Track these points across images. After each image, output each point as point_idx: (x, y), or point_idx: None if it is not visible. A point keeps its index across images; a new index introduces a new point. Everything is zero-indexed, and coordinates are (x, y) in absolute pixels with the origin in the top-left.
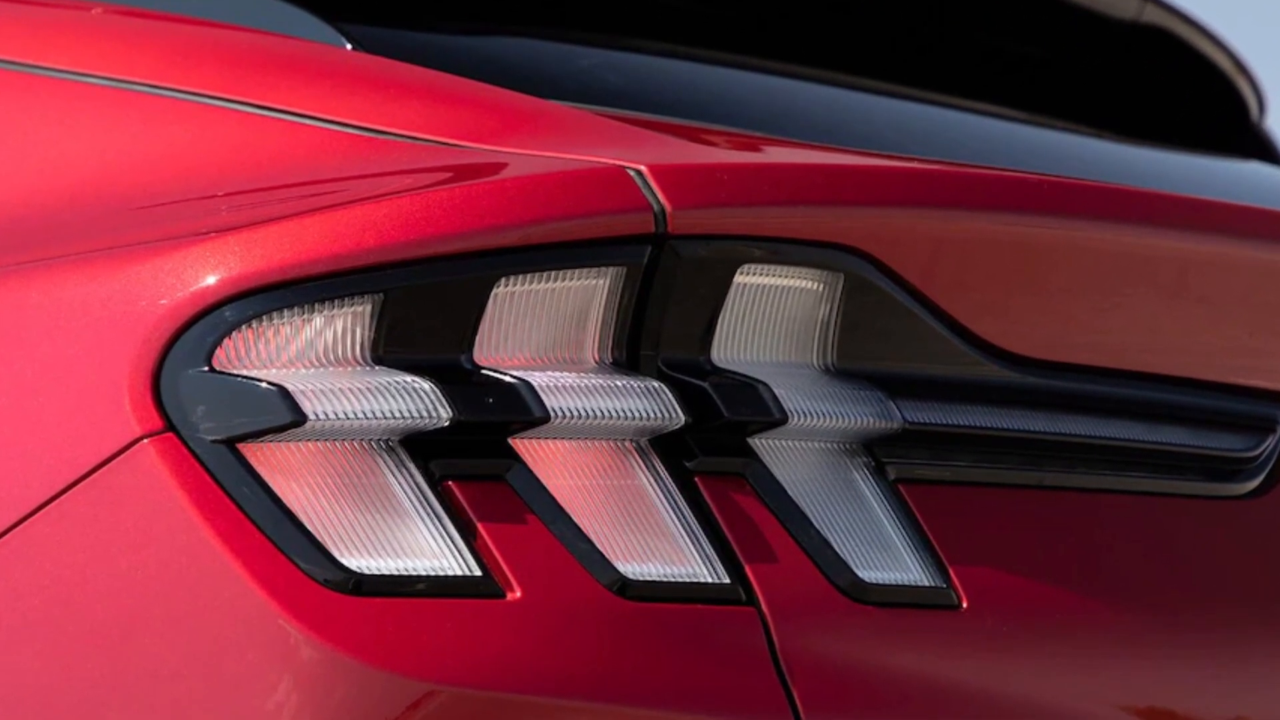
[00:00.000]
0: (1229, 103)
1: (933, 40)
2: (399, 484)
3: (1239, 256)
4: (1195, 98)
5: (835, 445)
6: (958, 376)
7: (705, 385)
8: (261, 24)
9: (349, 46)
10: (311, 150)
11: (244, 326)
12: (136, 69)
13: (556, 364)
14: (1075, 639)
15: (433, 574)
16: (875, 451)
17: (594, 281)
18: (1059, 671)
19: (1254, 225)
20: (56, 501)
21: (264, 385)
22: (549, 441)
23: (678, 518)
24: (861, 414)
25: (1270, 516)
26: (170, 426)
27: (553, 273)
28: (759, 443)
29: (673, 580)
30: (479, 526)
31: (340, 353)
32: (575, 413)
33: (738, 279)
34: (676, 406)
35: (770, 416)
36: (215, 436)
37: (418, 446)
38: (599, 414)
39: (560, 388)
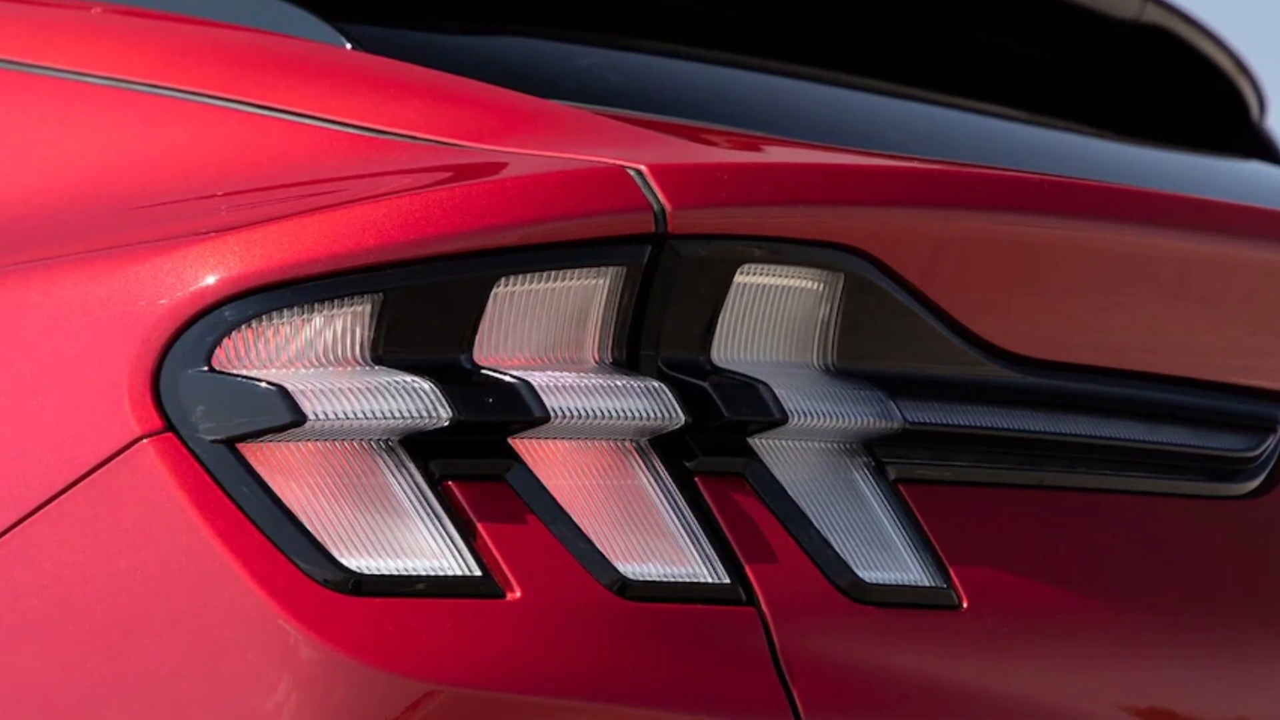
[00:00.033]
0: (1230, 102)
1: (933, 40)
2: (399, 484)
3: (1240, 256)
4: (1196, 97)
5: (835, 445)
6: (958, 376)
7: (705, 385)
8: (261, 23)
9: (349, 46)
10: (311, 150)
11: (244, 326)
12: (136, 68)
13: (556, 364)
14: (1075, 639)
15: (432, 574)
16: (875, 451)
17: (594, 281)
18: (1059, 671)
19: (1255, 225)
20: (56, 501)
21: (264, 385)
22: (549, 441)
23: (678, 518)
24: (862, 414)
25: (1271, 516)
26: (170, 426)
27: (553, 272)
28: (759, 443)
29: (673, 580)
30: (479, 526)
31: (340, 352)
32: (575, 413)
33: (738, 279)
34: (676, 406)
35: (770, 416)
36: (215, 436)
37: (417, 446)
38: (599, 414)
39: (560, 388)
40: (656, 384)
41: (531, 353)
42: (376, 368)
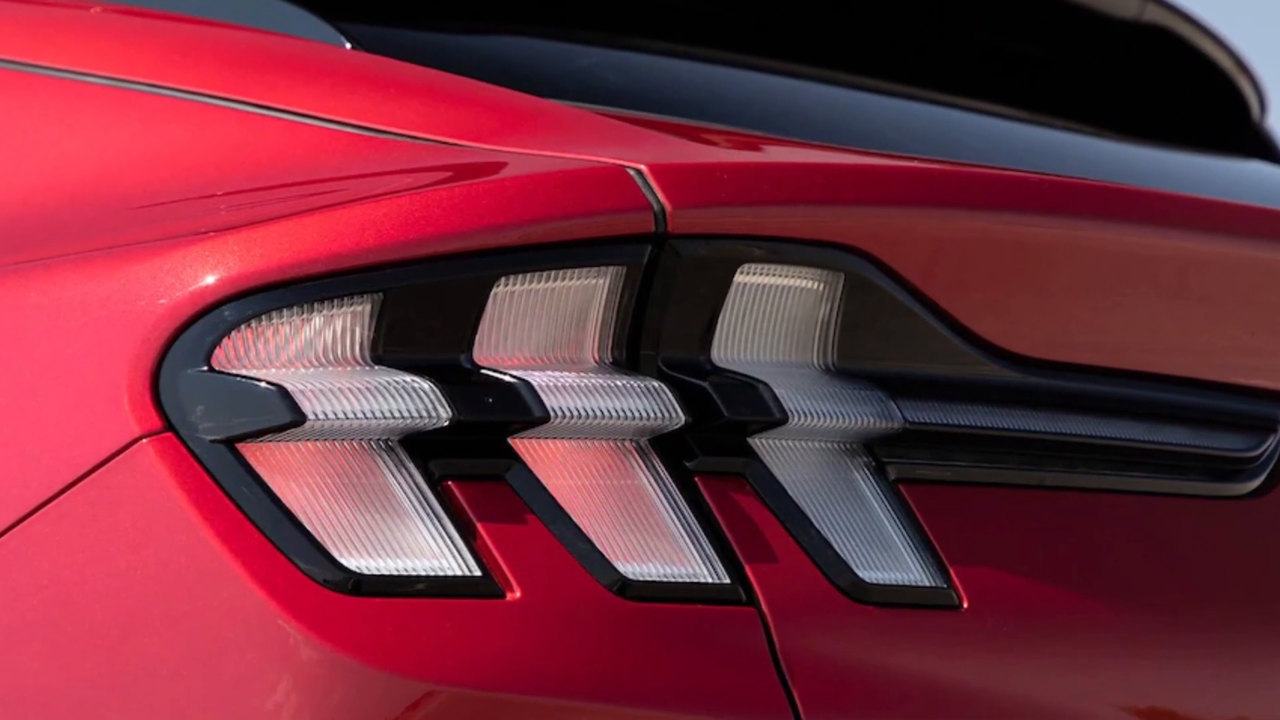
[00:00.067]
0: (1230, 102)
1: (933, 39)
2: (398, 484)
3: (1240, 256)
4: (1196, 97)
5: (836, 445)
6: (958, 376)
7: (705, 385)
8: (261, 23)
9: (348, 45)
10: (311, 149)
11: (243, 326)
12: (135, 68)
13: (556, 364)
14: (1076, 639)
15: (432, 574)
16: (876, 451)
17: (594, 281)
18: (1059, 671)
19: (1255, 225)
20: (55, 501)
21: (263, 385)
22: (549, 441)
23: (678, 518)
24: (862, 414)
25: (1271, 516)
26: (169, 426)
27: (552, 272)
28: (759, 443)
29: (673, 580)
30: (479, 526)
31: (340, 352)
32: (575, 412)
33: (738, 278)
34: (676, 406)
35: (770, 416)
36: (214, 436)
37: (417, 446)
38: (599, 414)
39: (560, 387)
40: (656, 384)
41: (531, 352)
42: (376, 367)
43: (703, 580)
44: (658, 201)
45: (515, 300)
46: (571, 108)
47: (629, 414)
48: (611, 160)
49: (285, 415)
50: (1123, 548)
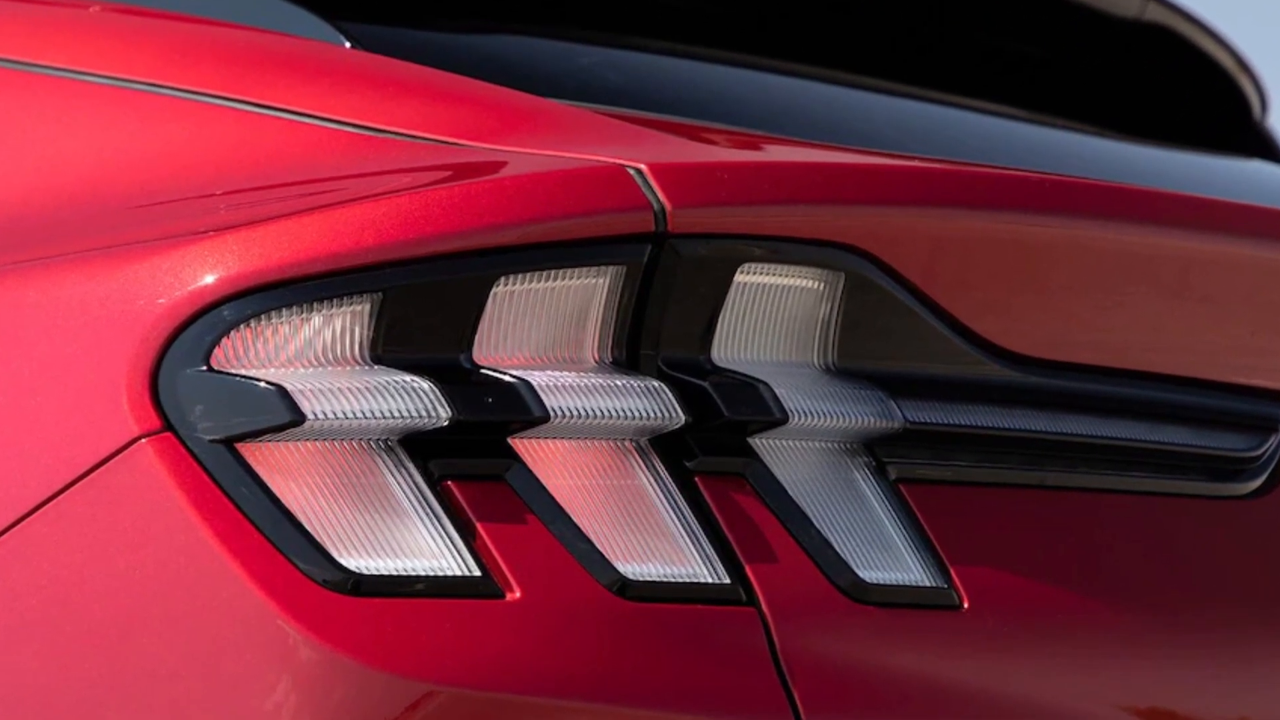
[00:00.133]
0: (1231, 101)
1: (934, 39)
2: (398, 484)
3: (1241, 255)
4: (1197, 96)
5: (836, 445)
6: (959, 376)
7: (705, 385)
8: (260, 22)
9: (347, 44)
10: (310, 149)
11: (242, 326)
12: (134, 67)
13: (556, 363)
14: (1076, 639)
15: (432, 574)
16: (876, 451)
17: (594, 281)
18: (1060, 672)
19: (1256, 224)
20: (54, 501)
21: (262, 385)
22: (549, 441)
23: (678, 518)
24: (862, 413)
25: (1272, 516)
26: (168, 426)
27: (552, 272)
28: (759, 442)
29: (673, 580)
30: (478, 526)
31: (339, 352)
32: (575, 412)
33: (738, 278)
34: (676, 406)
35: (771, 416)
36: (213, 436)
37: (417, 446)
38: (599, 414)
39: (560, 387)
40: (656, 384)
41: (531, 352)
42: (376, 367)
43: (703, 580)
44: (658, 201)
45: (515, 300)
46: (571, 107)
47: (629, 414)
48: (611, 159)
49: (284, 415)
50: (1123, 548)
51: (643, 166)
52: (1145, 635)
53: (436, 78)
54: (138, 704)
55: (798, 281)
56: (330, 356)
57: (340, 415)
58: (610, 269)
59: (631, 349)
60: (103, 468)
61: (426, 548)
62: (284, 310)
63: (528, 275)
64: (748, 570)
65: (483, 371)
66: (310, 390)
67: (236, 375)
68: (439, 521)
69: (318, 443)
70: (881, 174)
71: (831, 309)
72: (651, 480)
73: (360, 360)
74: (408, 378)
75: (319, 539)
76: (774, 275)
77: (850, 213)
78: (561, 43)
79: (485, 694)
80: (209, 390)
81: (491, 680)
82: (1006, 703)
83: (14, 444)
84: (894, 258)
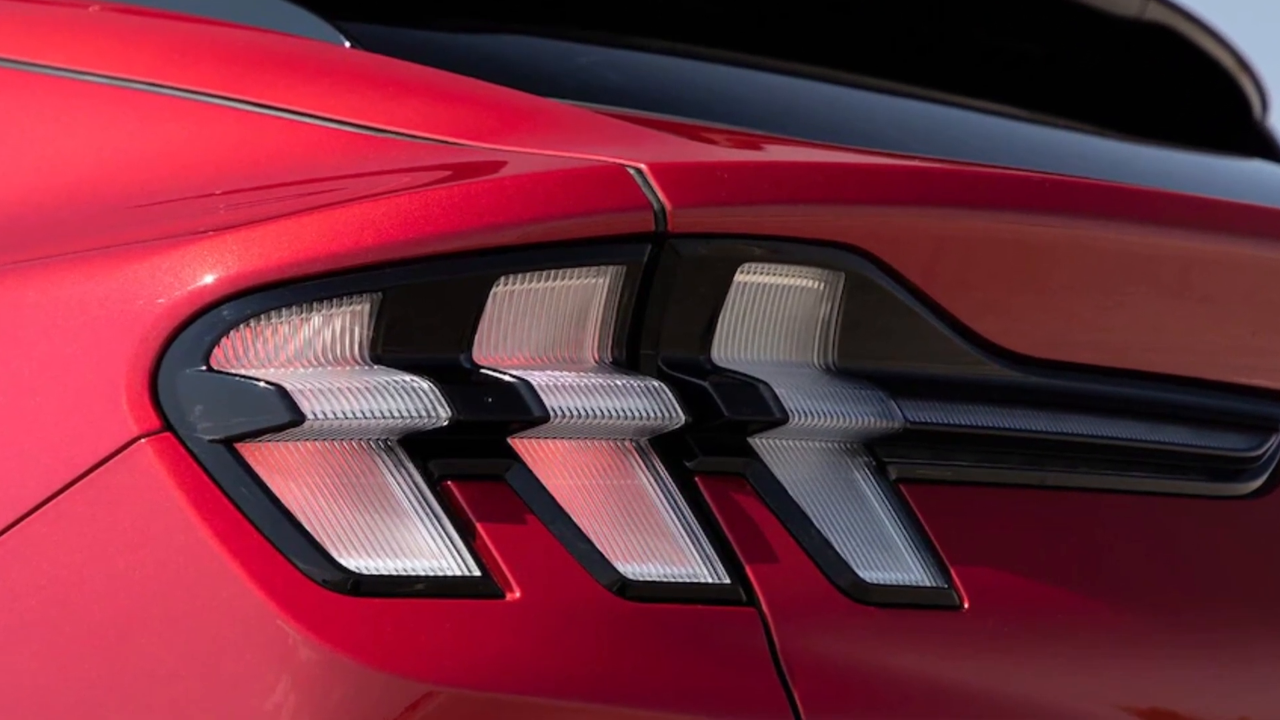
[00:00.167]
0: (1232, 100)
1: (934, 38)
2: (398, 484)
3: (1242, 255)
4: (1198, 95)
5: (836, 445)
6: (959, 376)
7: (705, 385)
8: (259, 21)
9: (347, 44)
10: (310, 148)
11: (242, 325)
12: (134, 67)
13: (556, 363)
14: (1077, 639)
15: (431, 574)
16: (876, 451)
17: (594, 280)
18: (1060, 672)
19: (1257, 224)
20: (54, 501)
21: (262, 384)
22: (548, 441)
23: (678, 518)
24: (863, 413)
25: (1272, 516)
26: (168, 426)
27: (552, 271)
28: (759, 442)
29: (673, 580)
30: (478, 526)
31: (339, 352)
32: (575, 412)
33: (738, 278)
34: (676, 406)
35: (771, 416)
36: (213, 436)
37: (416, 446)
38: (599, 413)
39: (560, 387)
40: (656, 383)
41: (531, 352)
42: (375, 367)
43: (703, 580)
44: (658, 201)
45: (515, 300)
46: (571, 106)
47: (629, 414)
48: (611, 159)
49: (284, 415)
50: (1124, 548)
51: (643, 166)
52: (1146, 635)
53: (436, 78)
54: (137, 704)
55: (798, 281)
56: (330, 356)
57: (340, 415)
58: (610, 269)
59: (631, 349)
60: (102, 468)
61: (426, 548)
62: (284, 310)
63: (527, 275)
64: (748, 570)
65: (482, 371)
66: (310, 390)
67: (236, 375)
68: (439, 521)
69: (317, 443)
70: (882, 174)
71: (832, 309)
72: (651, 480)
73: (360, 360)
74: (407, 378)
75: (319, 539)
76: (774, 275)
77: (851, 212)
78: (561, 43)
79: (485, 694)
80: (208, 390)
81: (491, 680)
82: (1007, 703)
83: (13, 444)
84: (894, 258)
